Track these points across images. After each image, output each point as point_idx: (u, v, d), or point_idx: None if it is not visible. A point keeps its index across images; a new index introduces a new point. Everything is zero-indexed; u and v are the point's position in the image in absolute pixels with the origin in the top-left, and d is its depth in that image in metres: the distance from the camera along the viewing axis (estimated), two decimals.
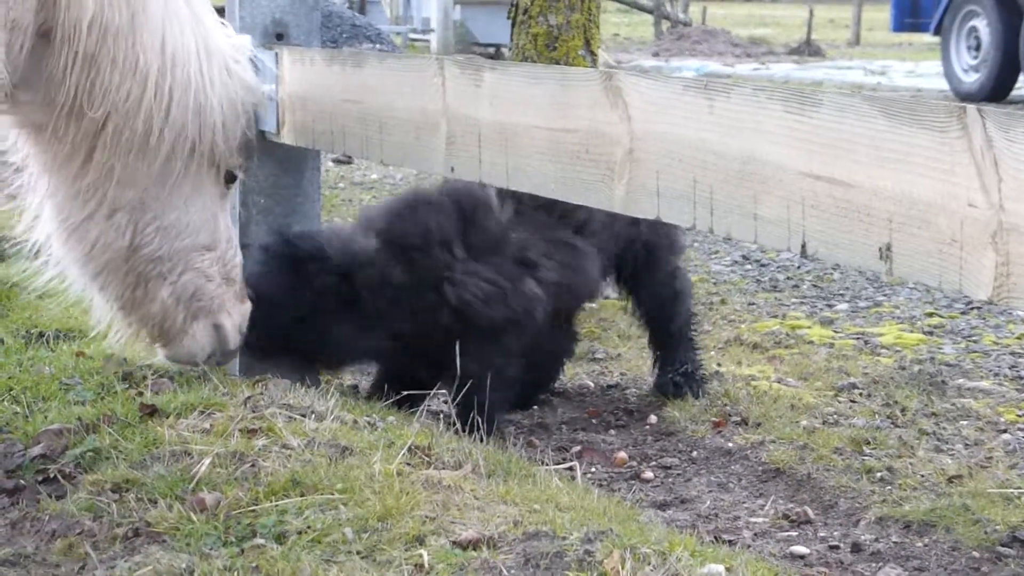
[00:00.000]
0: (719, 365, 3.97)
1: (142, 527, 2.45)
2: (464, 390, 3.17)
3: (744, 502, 2.99)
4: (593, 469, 3.20)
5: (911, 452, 3.25)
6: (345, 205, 6.79)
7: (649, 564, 2.18)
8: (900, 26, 15.10)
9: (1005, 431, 3.45)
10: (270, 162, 3.37)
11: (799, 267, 5.46)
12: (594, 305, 4.37)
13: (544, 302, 3.31)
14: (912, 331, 4.47)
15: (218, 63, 2.86)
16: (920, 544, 2.74)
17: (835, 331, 4.47)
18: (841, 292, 5.06)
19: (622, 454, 3.28)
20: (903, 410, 3.59)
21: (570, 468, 3.08)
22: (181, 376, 3.20)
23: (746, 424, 3.46)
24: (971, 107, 1.72)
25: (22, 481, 2.73)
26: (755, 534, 2.81)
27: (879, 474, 3.10)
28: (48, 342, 3.52)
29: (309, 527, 2.36)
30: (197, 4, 2.83)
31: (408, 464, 2.65)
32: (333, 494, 2.47)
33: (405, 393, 3.27)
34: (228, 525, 2.41)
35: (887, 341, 4.33)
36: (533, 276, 3.29)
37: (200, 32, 2.80)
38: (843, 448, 3.27)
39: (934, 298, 4.90)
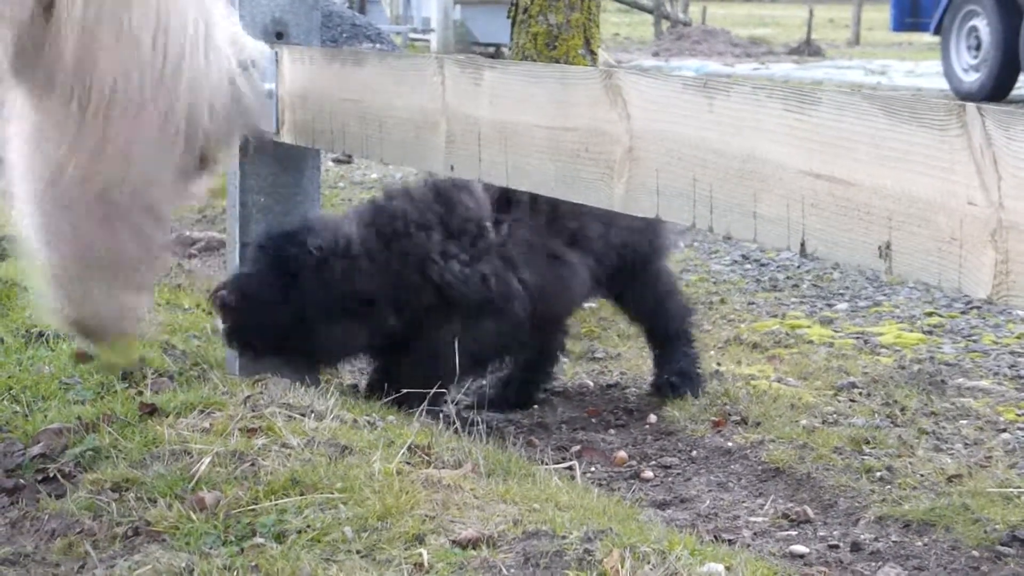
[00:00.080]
0: (719, 364, 3.97)
1: (142, 526, 2.45)
2: (426, 358, 3.27)
3: (744, 501, 2.99)
4: (593, 468, 3.20)
5: (911, 451, 3.25)
6: (345, 204, 6.79)
7: (648, 563, 2.18)
8: (900, 26, 15.09)
9: (1004, 430, 3.45)
10: (270, 161, 3.37)
11: (799, 267, 5.45)
12: (594, 304, 4.38)
13: (524, 300, 3.37)
14: (912, 330, 4.47)
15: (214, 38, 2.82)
16: (920, 543, 2.74)
17: (835, 330, 4.47)
18: (841, 292, 5.06)
19: (622, 453, 3.28)
20: (903, 409, 3.59)
21: (570, 467, 3.08)
22: (181, 376, 3.20)
23: (746, 423, 3.46)
24: (970, 105, 1.72)
25: (22, 480, 2.73)
26: (754, 533, 2.81)
27: (879, 473, 3.10)
28: (48, 341, 3.52)
29: (309, 526, 2.37)
30: None
31: (408, 463, 2.65)
32: (333, 493, 2.47)
33: (405, 391, 3.28)
34: (228, 524, 2.41)
35: (887, 340, 4.33)
36: (515, 273, 3.36)
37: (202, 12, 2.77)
38: (843, 447, 3.27)
39: (934, 298, 4.90)
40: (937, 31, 13.31)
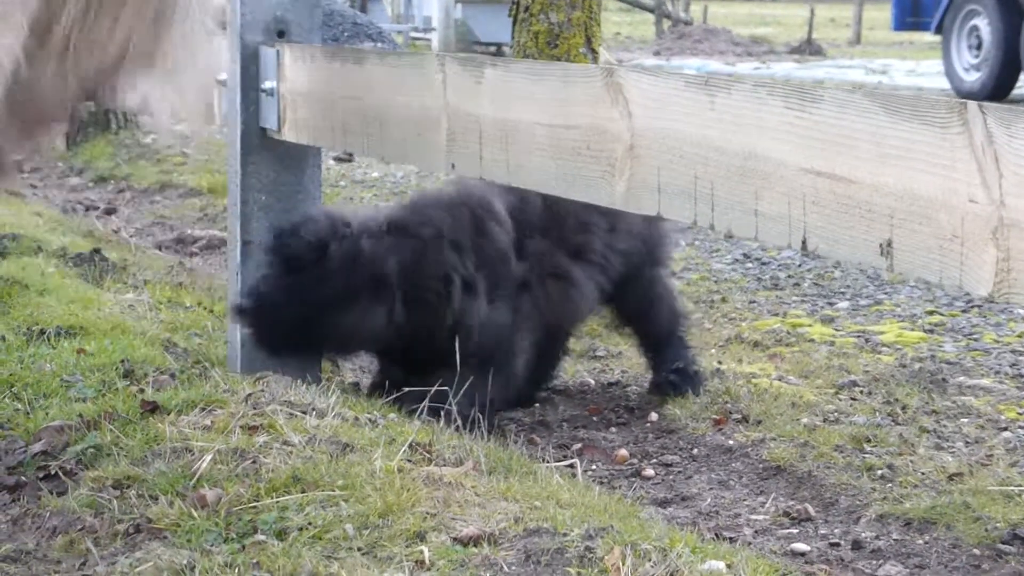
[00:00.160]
0: (720, 363, 3.97)
1: (143, 523, 2.45)
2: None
3: (745, 499, 2.99)
4: (594, 466, 3.21)
5: (912, 450, 3.25)
6: (346, 203, 6.79)
7: (650, 561, 2.18)
8: (901, 25, 15.08)
9: (1006, 429, 3.45)
10: (271, 159, 3.37)
11: (800, 265, 5.45)
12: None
13: (534, 321, 3.40)
14: (913, 329, 4.47)
15: None
16: (921, 541, 2.74)
17: (836, 329, 4.47)
18: (842, 290, 5.05)
19: (623, 451, 3.28)
20: (904, 408, 3.59)
21: (571, 465, 3.08)
22: (182, 373, 3.21)
23: (747, 422, 3.46)
24: (972, 103, 1.72)
25: (23, 478, 2.74)
26: (756, 531, 2.81)
27: (880, 472, 3.10)
28: (49, 339, 3.53)
29: (310, 523, 2.37)
30: None
31: (409, 461, 2.65)
32: (334, 491, 2.47)
33: (407, 390, 3.28)
34: (229, 521, 2.41)
35: (888, 339, 4.33)
36: (529, 296, 3.39)
37: None
38: (844, 446, 3.27)
39: (935, 296, 4.90)
40: (938, 30, 13.30)
